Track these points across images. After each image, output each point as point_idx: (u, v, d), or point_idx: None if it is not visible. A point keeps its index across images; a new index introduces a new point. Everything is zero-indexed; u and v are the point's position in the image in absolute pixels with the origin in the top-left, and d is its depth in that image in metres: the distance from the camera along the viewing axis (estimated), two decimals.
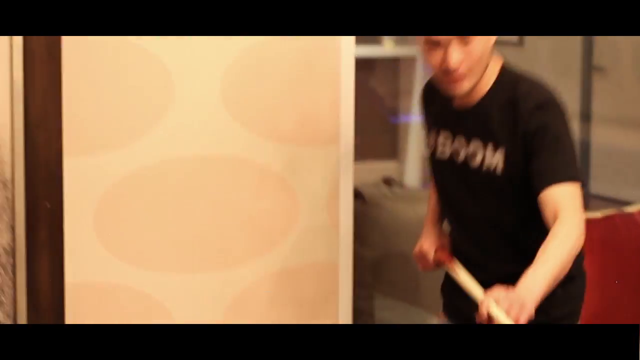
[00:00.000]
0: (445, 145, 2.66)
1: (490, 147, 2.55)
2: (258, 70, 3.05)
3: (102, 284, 2.94)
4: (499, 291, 2.23)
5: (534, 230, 2.46)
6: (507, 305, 2.20)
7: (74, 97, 2.82)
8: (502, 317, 2.16)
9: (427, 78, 2.64)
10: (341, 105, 3.16)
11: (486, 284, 2.59)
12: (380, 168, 3.05)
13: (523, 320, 2.17)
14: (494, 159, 2.54)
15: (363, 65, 3.67)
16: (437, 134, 2.68)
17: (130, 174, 2.93)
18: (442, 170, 2.71)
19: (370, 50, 4.09)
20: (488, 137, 2.55)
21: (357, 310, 3.31)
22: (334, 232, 3.17)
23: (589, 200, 4.93)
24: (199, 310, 3.05)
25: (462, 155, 2.61)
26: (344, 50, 3.15)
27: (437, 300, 3.00)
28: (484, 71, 2.52)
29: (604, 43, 5.58)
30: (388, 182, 3.50)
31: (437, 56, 2.47)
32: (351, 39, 3.17)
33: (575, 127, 5.87)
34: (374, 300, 3.45)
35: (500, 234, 2.62)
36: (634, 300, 3.98)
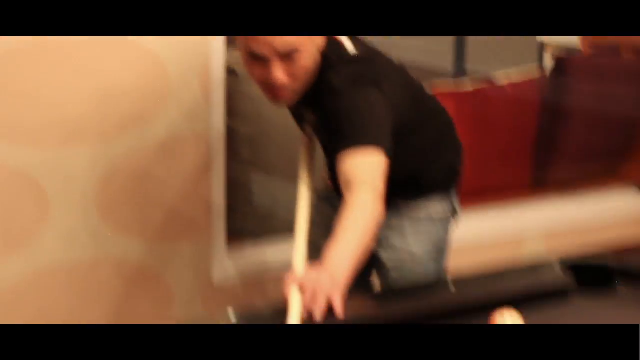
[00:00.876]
0: None
1: (310, 111, 2.56)
2: None
3: None
4: (308, 274, 2.11)
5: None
6: (311, 292, 2.06)
7: None
8: (296, 304, 2.06)
9: None
10: None
11: None
12: None
13: (337, 296, 2.07)
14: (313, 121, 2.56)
15: None
16: None
17: None
18: (291, 111, 2.72)
19: None
20: (307, 103, 2.51)
21: (233, 182, 3.36)
22: (206, 106, 3.20)
23: (464, 78, 5.02)
24: (72, 184, 3.07)
25: (301, 109, 2.62)
26: None
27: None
28: (308, 79, 2.43)
29: None
30: None
31: (259, 70, 2.38)
32: None
33: None
34: (250, 174, 3.50)
35: None
36: (501, 166, 4.11)
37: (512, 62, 4.56)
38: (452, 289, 2.35)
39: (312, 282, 2.08)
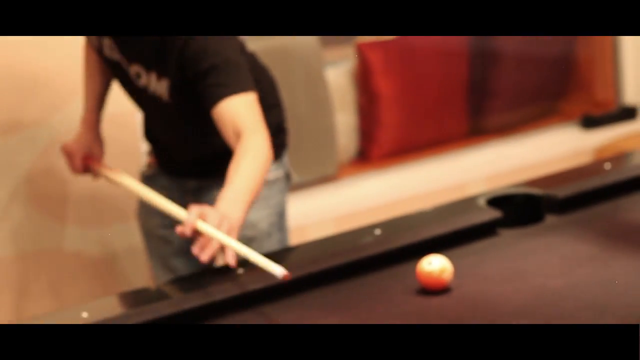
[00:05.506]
0: (112, 50, 2.53)
1: (153, 75, 2.46)
2: None
3: None
4: (202, 207, 2.18)
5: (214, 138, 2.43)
6: (217, 221, 2.14)
7: None
8: (212, 230, 2.13)
9: None
10: None
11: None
12: None
13: (234, 234, 2.15)
14: (159, 86, 2.46)
15: None
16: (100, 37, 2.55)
17: None
18: (112, 68, 2.59)
19: None
20: (149, 65, 2.45)
21: None
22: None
23: None
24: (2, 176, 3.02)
25: (127, 69, 2.51)
26: None
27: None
28: None
29: None
30: None
31: None
32: None
33: None
34: None
35: (181, 140, 2.62)
36: (436, 117, 4.10)
37: None
38: None
39: (213, 213, 2.15)
